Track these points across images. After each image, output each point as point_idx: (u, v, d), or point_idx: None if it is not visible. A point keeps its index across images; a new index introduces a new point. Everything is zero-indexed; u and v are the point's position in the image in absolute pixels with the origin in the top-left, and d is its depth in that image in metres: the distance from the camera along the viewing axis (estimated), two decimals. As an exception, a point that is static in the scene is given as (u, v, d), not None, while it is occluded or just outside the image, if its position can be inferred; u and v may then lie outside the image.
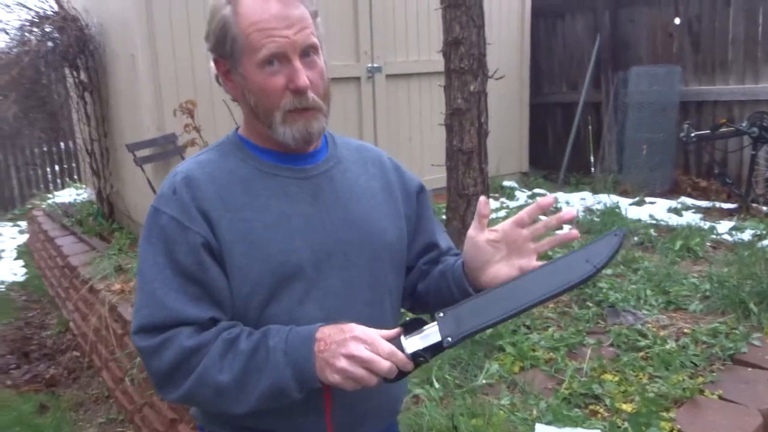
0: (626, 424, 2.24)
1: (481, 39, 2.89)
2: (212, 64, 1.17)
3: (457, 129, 2.96)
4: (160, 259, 1.07)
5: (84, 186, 7.16)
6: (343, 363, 0.97)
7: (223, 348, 1.03)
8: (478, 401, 2.41)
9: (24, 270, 6.37)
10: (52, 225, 6.14)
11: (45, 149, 7.45)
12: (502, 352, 2.89)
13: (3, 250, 7.12)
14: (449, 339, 1.00)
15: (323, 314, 1.10)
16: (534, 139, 6.99)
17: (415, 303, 1.34)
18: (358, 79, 5.34)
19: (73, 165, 8.87)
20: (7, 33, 4.87)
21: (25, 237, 7.36)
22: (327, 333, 1.02)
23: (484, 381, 2.63)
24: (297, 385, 1.01)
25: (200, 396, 1.04)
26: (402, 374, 1.01)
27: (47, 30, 5.05)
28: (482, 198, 1.12)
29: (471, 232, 1.15)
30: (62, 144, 8.68)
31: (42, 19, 5.07)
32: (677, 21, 5.79)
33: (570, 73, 6.76)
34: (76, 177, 8.83)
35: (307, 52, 1.09)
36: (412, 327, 1.03)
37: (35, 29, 5.04)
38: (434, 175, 4.69)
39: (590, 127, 6.49)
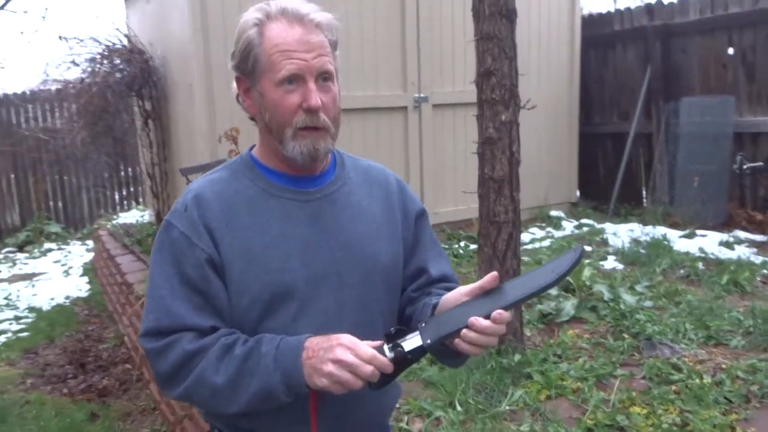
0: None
1: (513, 70, 2.95)
2: (234, 83, 1.26)
3: (489, 157, 3.02)
4: (168, 269, 1.18)
5: (146, 208, 7.54)
6: (330, 367, 1.05)
7: (221, 352, 1.13)
8: (498, 427, 2.43)
9: (88, 286, 6.72)
10: (114, 244, 6.48)
11: (113, 173, 7.93)
12: (530, 379, 2.89)
13: (71, 267, 7.54)
14: (429, 341, 1.08)
15: (314, 331, 1.17)
16: (585, 170, 6.93)
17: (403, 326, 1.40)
18: (405, 108, 5.47)
19: (139, 188, 9.35)
20: (77, 65, 5.26)
21: (92, 255, 7.78)
22: (315, 342, 1.10)
23: (507, 407, 2.65)
24: (285, 388, 1.09)
25: (197, 396, 1.14)
26: (386, 381, 1.09)
27: (116, 62, 5.43)
28: (494, 273, 1.12)
29: (462, 294, 1.16)
30: (130, 169, 9.17)
31: (111, 51, 5.45)
32: (731, 51, 5.68)
33: (621, 103, 6.70)
34: (141, 200, 9.30)
35: (323, 77, 1.18)
36: (396, 336, 1.11)
37: (105, 61, 5.42)
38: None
39: (642, 157, 6.39)
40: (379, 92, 5.35)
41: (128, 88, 5.43)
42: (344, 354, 1.05)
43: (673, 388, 2.83)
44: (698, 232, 5.33)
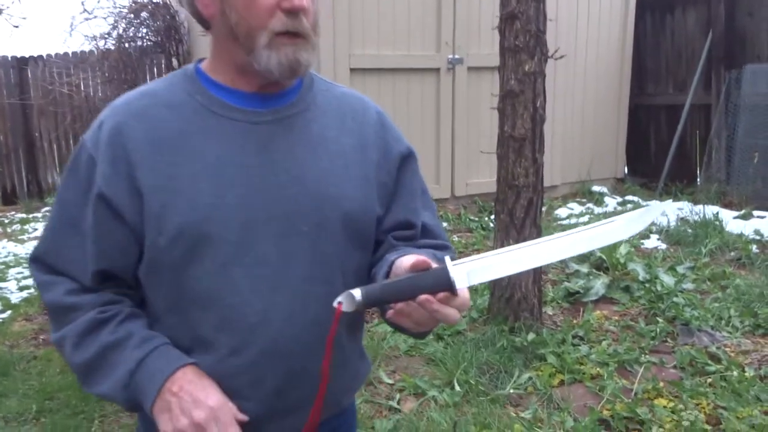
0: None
1: (540, 14, 2.61)
2: None
3: (510, 113, 2.70)
4: (70, 196, 1.00)
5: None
6: (184, 425, 0.92)
7: (88, 327, 0.99)
8: (496, 411, 2.16)
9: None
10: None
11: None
12: (543, 362, 2.60)
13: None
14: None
15: (251, 284, 0.95)
16: (635, 144, 6.46)
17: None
18: (437, 70, 5.14)
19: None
20: (103, 18, 5.14)
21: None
22: (189, 379, 0.94)
23: (512, 390, 2.36)
24: (127, 405, 0.99)
25: (60, 351, 1.03)
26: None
27: (143, 16, 5.29)
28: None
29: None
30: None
31: (139, 5, 5.30)
32: (805, 14, 5.11)
33: (678, 72, 6.17)
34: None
35: None
36: None
37: (131, 15, 5.28)
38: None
39: (698, 131, 5.88)
40: (411, 52, 5.03)
41: (154, 44, 5.29)
42: (209, 425, 0.91)
43: (709, 380, 2.49)
44: (755, 213, 4.85)
